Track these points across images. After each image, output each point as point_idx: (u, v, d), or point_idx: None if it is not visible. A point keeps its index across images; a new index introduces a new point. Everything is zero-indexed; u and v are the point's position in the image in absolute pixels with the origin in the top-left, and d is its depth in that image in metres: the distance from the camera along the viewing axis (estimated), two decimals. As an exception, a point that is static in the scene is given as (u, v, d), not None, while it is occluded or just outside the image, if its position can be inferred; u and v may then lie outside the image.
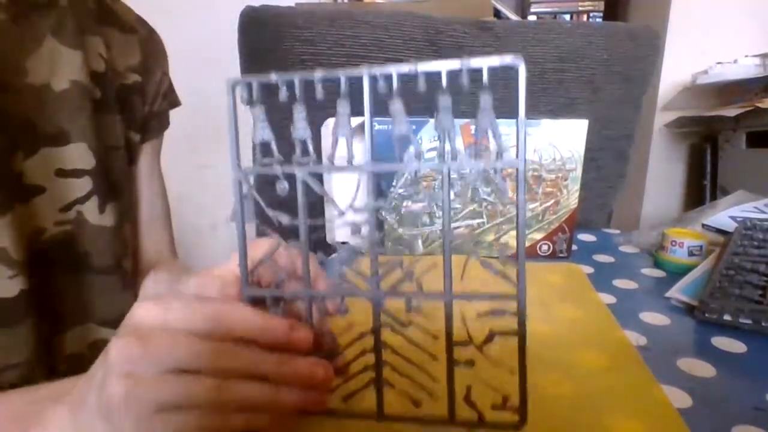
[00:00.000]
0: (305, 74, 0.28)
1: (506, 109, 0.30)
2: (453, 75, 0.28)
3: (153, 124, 0.61)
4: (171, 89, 0.64)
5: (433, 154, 0.66)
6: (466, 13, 1.20)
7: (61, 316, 0.49)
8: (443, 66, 0.26)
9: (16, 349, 0.44)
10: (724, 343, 0.51)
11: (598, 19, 1.66)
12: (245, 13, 0.95)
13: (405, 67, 0.27)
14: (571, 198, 0.71)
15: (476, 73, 0.27)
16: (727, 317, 0.53)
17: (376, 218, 0.33)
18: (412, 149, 0.29)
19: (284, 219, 0.31)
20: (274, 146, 0.30)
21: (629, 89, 1.00)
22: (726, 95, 1.40)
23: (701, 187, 1.46)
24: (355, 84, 0.28)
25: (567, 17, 1.66)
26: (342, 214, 0.31)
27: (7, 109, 0.44)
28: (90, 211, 0.49)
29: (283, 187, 0.30)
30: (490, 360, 0.31)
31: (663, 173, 1.55)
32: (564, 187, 0.71)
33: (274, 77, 0.29)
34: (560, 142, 0.69)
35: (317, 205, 0.32)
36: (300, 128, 0.30)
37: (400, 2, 1.50)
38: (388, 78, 0.27)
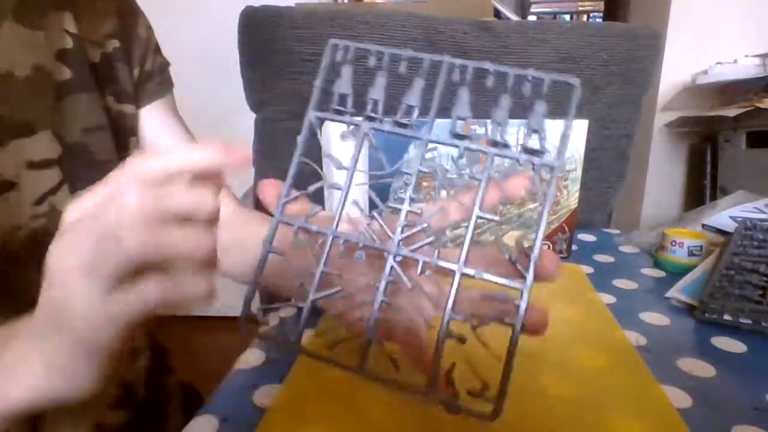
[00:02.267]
0: (395, 50, 0.33)
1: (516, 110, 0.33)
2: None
3: (152, 85, 0.58)
4: (159, 46, 0.60)
5: (435, 153, 0.66)
6: (466, 13, 1.20)
7: None
8: (511, 71, 0.30)
9: None
10: (724, 343, 0.51)
11: (598, 19, 1.66)
12: (245, 13, 0.95)
13: (479, 64, 0.31)
14: (571, 198, 0.71)
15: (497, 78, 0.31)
16: (727, 317, 0.53)
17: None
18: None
19: (336, 162, 0.34)
20: (350, 100, 0.33)
21: (629, 89, 1.00)
22: (726, 95, 1.40)
23: (701, 187, 1.46)
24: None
25: (567, 17, 1.66)
26: (391, 170, 0.33)
27: None
28: (62, 201, 0.47)
29: (346, 136, 0.33)
30: (480, 342, 0.31)
31: (663, 173, 1.55)
32: (564, 187, 0.71)
33: (369, 46, 0.33)
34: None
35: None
36: (377, 90, 0.33)
37: (400, 2, 1.50)
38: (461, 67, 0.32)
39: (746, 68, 1.36)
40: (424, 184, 0.69)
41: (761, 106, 1.21)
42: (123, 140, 0.54)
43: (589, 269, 0.69)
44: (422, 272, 0.31)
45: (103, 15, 0.52)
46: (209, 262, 0.27)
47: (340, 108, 0.33)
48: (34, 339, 0.28)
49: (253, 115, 1.01)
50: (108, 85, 0.52)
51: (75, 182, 0.48)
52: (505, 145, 0.31)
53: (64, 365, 0.27)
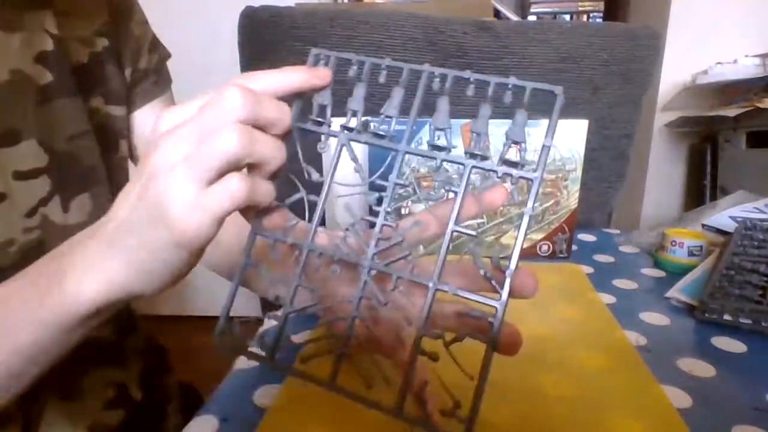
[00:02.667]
0: (375, 59, 0.32)
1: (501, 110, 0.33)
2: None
3: (147, 85, 0.56)
4: (156, 41, 0.58)
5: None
6: (466, 13, 1.20)
7: None
8: (492, 79, 0.30)
9: None
10: (724, 343, 0.51)
11: (598, 19, 1.66)
12: (245, 13, 0.95)
13: (459, 73, 0.31)
14: (571, 198, 0.71)
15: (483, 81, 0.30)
16: (727, 317, 0.53)
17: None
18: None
19: (315, 175, 0.33)
20: (329, 110, 0.33)
21: (629, 89, 1.00)
22: (726, 95, 1.40)
23: (701, 187, 1.46)
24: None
25: (567, 17, 1.66)
26: (366, 181, 0.33)
27: None
28: (54, 212, 0.45)
29: (324, 147, 0.33)
30: (453, 360, 0.31)
31: (663, 173, 1.55)
32: (564, 188, 0.71)
33: (350, 55, 0.33)
34: (560, 142, 0.69)
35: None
36: (356, 101, 0.33)
37: (400, 2, 1.50)
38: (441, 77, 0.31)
39: (746, 68, 1.36)
40: (424, 184, 0.69)
41: (761, 106, 1.21)
42: (111, 143, 0.52)
43: (589, 269, 0.69)
44: (395, 288, 0.31)
45: (91, 11, 0.50)
46: (277, 174, 0.31)
47: (320, 119, 0.33)
48: (116, 236, 0.29)
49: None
50: (96, 86, 0.50)
51: (65, 191, 0.46)
52: (484, 157, 0.30)
53: (147, 259, 0.29)
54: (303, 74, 0.31)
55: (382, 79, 0.32)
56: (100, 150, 0.50)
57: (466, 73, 0.30)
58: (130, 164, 0.57)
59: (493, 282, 0.29)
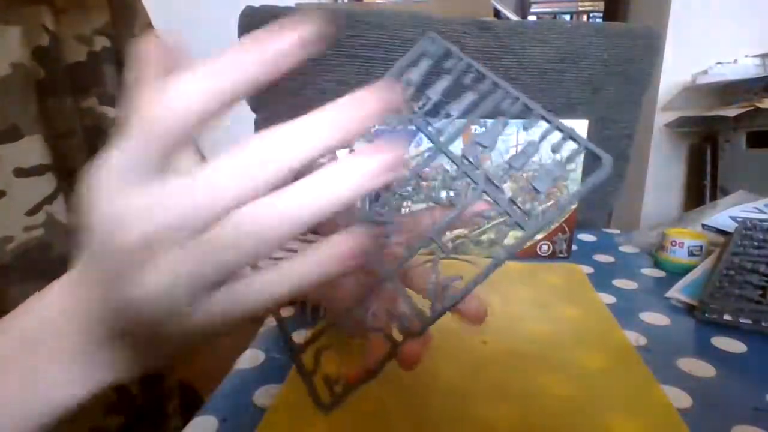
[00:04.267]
0: (471, 61, 0.34)
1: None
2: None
3: None
4: None
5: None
6: (466, 13, 1.20)
7: None
8: (538, 110, 0.30)
9: None
10: (724, 343, 0.51)
11: (598, 19, 1.66)
12: (245, 13, 0.95)
13: (527, 100, 0.31)
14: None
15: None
16: (727, 317, 0.53)
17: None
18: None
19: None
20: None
21: (629, 89, 1.00)
22: (726, 95, 1.40)
23: (701, 187, 1.46)
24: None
25: (567, 17, 1.67)
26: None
27: None
28: (60, 210, 0.44)
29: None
30: (353, 350, 0.33)
31: (663, 173, 1.55)
32: (564, 187, 0.71)
33: (453, 49, 0.35)
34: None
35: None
36: (434, 90, 0.35)
37: (400, 2, 1.50)
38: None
39: (746, 68, 1.36)
40: (424, 184, 0.69)
41: (761, 106, 1.21)
42: (99, 145, 0.49)
43: (589, 269, 0.69)
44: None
45: (91, 10, 0.49)
46: None
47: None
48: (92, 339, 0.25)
49: (253, 115, 1.01)
50: (92, 86, 0.49)
51: (67, 191, 0.45)
52: (498, 188, 0.30)
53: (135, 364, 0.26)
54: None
55: (468, 80, 0.33)
56: (88, 151, 0.49)
57: (533, 104, 0.30)
58: None
59: (433, 299, 0.30)
